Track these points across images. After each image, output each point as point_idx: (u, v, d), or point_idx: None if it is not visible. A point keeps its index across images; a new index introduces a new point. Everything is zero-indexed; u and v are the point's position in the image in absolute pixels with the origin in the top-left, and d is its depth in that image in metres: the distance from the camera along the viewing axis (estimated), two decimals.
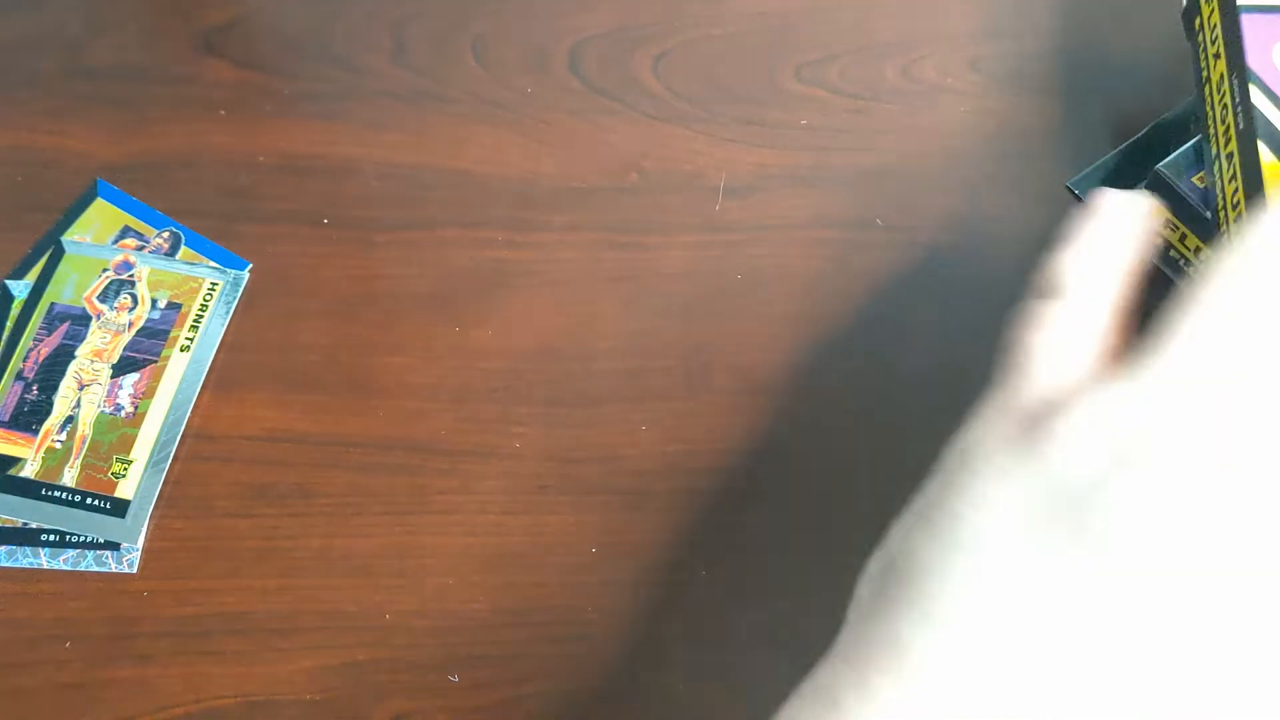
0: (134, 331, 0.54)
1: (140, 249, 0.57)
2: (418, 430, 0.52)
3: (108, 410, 0.52)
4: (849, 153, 0.62)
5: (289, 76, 0.64)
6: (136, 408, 0.52)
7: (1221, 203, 0.42)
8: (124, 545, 0.48)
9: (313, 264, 0.57)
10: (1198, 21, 0.47)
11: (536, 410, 0.52)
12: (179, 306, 0.55)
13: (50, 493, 0.49)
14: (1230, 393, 0.26)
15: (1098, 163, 0.54)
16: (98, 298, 0.55)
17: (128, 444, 0.51)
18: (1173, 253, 0.46)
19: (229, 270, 0.56)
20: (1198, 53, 0.47)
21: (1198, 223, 0.44)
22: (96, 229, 0.58)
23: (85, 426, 0.51)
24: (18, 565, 0.48)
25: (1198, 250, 0.45)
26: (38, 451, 0.50)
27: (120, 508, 0.49)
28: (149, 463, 0.50)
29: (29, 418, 0.51)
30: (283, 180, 0.60)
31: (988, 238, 0.58)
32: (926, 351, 0.54)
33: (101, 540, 0.49)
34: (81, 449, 0.51)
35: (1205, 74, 0.45)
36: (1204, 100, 0.45)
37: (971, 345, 0.55)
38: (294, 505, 0.50)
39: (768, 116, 0.63)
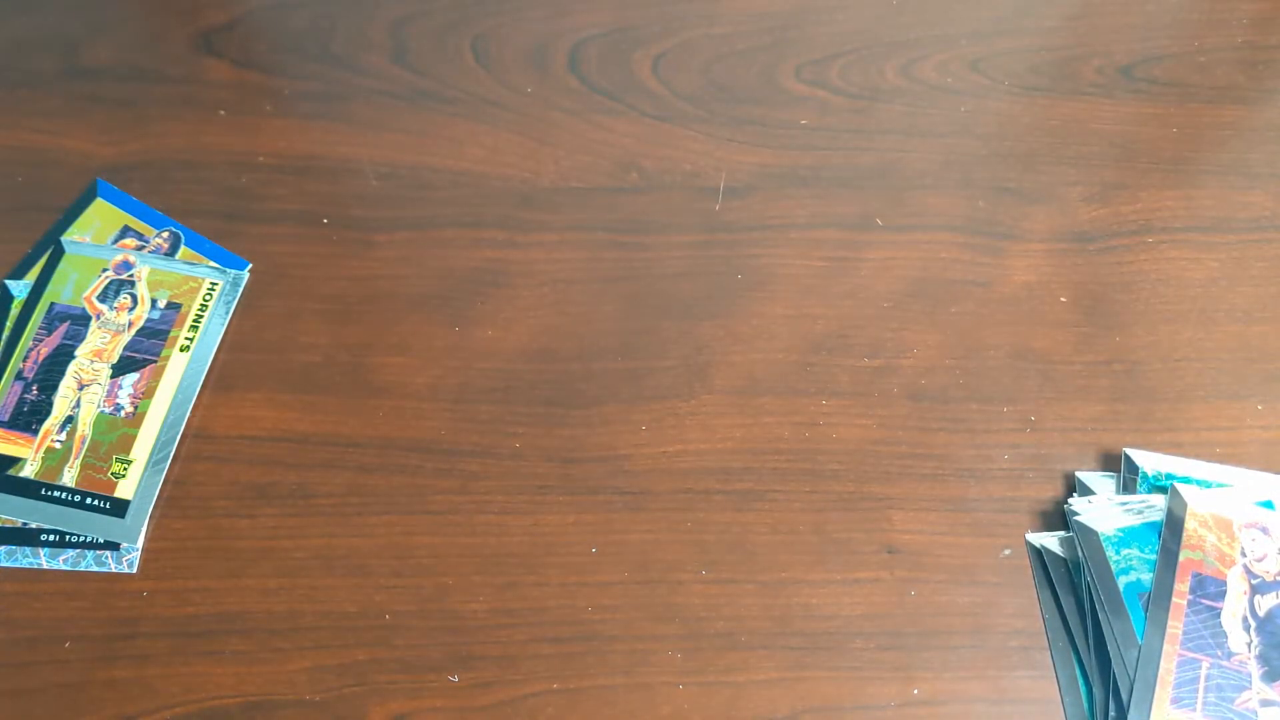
0: (134, 331, 0.54)
1: (140, 249, 0.57)
2: (417, 430, 0.52)
3: (108, 410, 0.52)
4: (849, 152, 0.62)
5: (289, 76, 0.64)
6: (136, 408, 0.52)
7: None
8: (124, 545, 0.48)
9: (313, 264, 0.57)
10: None
11: (536, 410, 0.52)
12: (179, 306, 0.55)
13: (50, 493, 0.49)
14: None
15: None
16: (98, 298, 0.55)
17: (127, 444, 0.51)
18: None
19: (229, 270, 0.56)
20: None
21: None
22: (96, 229, 0.58)
23: (85, 426, 0.51)
24: (18, 565, 0.48)
25: None
26: (37, 451, 0.50)
27: (120, 508, 0.49)
28: (149, 463, 0.50)
29: (29, 418, 0.51)
30: (283, 180, 0.60)
31: (987, 237, 0.58)
32: (926, 352, 0.54)
33: (101, 540, 0.49)
34: (81, 449, 0.51)
35: None
36: None
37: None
38: (294, 505, 0.50)
39: (768, 116, 0.63)
